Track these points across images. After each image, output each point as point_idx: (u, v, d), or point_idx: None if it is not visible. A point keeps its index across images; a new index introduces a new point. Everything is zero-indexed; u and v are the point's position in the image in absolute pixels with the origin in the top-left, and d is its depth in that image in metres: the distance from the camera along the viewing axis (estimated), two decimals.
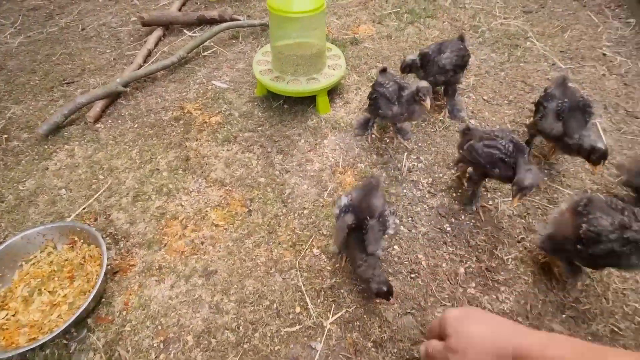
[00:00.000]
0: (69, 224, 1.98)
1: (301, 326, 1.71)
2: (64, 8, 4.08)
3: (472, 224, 2.07)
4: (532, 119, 2.24)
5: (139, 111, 2.80)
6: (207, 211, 2.16)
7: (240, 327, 1.71)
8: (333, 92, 2.85)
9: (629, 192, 2.02)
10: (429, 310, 1.75)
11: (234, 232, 2.06)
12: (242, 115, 2.73)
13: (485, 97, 2.81)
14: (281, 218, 2.12)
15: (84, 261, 1.91)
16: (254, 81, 2.96)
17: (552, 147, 2.27)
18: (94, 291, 1.70)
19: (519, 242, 1.98)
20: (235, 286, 1.85)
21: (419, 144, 2.50)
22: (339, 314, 1.74)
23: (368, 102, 2.39)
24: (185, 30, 3.61)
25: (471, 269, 1.89)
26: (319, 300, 1.79)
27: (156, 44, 3.41)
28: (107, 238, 2.05)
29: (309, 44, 2.58)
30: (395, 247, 1.99)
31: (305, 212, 2.15)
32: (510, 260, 1.91)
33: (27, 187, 2.32)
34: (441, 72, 2.45)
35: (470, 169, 2.10)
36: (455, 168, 2.26)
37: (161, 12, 3.65)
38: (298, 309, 1.77)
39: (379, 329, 1.70)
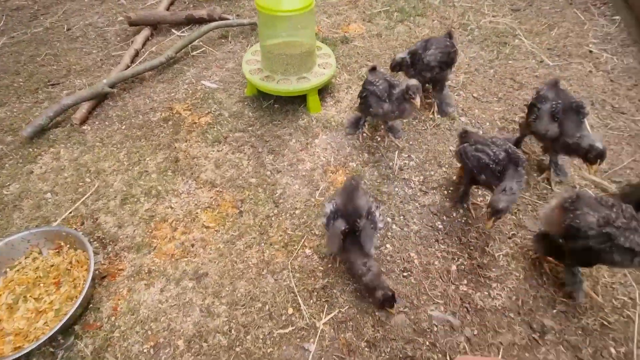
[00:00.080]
0: (54, 229, 1.94)
1: (294, 327, 1.70)
2: (49, 8, 3.99)
3: (463, 221, 2.08)
4: (522, 118, 2.24)
5: (127, 112, 2.75)
6: (197, 213, 2.13)
7: (232, 330, 1.69)
8: (324, 91, 2.83)
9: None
10: (421, 308, 1.75)
11: (225, 233, 2.04)
12: (232, 115, 2.71)
13: (475, 95, 2.82)
14: (273, 219, 2.10)
15: (71, 266, 1.86)
16: (244, 81, 2.93)
17: (544, 148, 2.25)
18: (81, 297, 1.66)
19: (509, 238, 1.99)
20: (227, 288, 1.83)
21: (410, 142, 2.50)
22: (332, 315, 1.73)
23: (359, 101, 2.39)
24: (173, 30, 3.56)
25: (463, 266, 1.89)
26: (311, 301, 1.78)
27: (144, 44, 3.36)
28: (95, 242, 2.00)
29: (299, 43, 2.56)
30: (388, 245, 1.99)
31: (297, 212, 2.13)
32: (501, 256, 1.92)
33: (11, 191, 2.26)
34: (426, 68, 2.45)
35: None
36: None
37: (149, 12, 3.59)
38: (290, 310, 1.75)
39: (372, 329, 1.69)
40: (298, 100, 2.74)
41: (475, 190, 2.20)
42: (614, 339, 1.64)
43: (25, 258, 1.90)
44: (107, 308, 1.76)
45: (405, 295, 1.80)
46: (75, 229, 2.05)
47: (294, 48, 2.55)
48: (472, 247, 1.96)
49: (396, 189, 2.23)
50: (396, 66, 2.62)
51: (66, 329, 1.67)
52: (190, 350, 1.63)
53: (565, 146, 2.00)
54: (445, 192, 2.22)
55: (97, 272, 1.87)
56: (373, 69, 2.34)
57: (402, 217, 2.10)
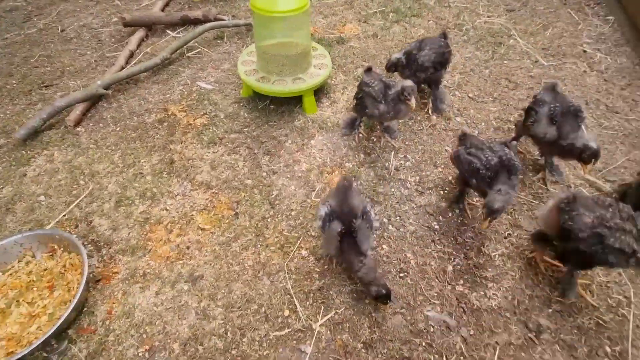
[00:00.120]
0: (48, 232, 1.92)
1: (290, 329, 1.69)
2: (43, 9, 3.96)
3: (459, 221, 2.08)
4: (519, 119, 2.23)
5: (122, 114, 2.73)
6: (192, 215, 2.12)
7: (228, 333, 1.68)
8: (320, 91, 2.83)
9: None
10: (418, 309, 1.75)
11: (221, 235, 2.03)
12: (228, 116, 2.70)
13: (470, 95, 2.83)
14: (269, 220, 2.09)
15: (65, 270, 1.85)
16: (240, 82, 2.92)
17: (541, 151, 2.24)
18: (75, 301, 1.64)
19: (505, 238, 2.00)
20: (223, 291, 1.82)
21: (406, 143, 2.50)
22: (329, 316, 1.72)
23: (354, 101, 2.38)
24: (168, 31, 3.54)
25: (459, 266, 1.89)
26: (308, 303, 1.77)
27: (138, 45, 3.34)
28: (89, 245, 1.99)
29: (294, 44, 2.55)
30: (384, 246, 1.98)
31: (293, 213, 2.12)
32: (497, 256, 1.93)
33: (4, 194, 2.24)
34: (420, 69, 2.46)
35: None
36: None
37: (143, 13, 3.58)
38: (287, 312, 1.74)
39: (369, 330, 1.69)
40: (294, 101, 2.74)
41: (471, 190, 2.21)
42: (609, 338, 1.64)
43: (19, 262, 1.88)
44: (101, 312, 1.75)
45: (401, 295, 1.80)
46: (69, 232, 2.03)
47: (289, 49, 2.55)
48: (468, 247, 1.96)
49: (392, 190, 2.23)
50: (391, 67, 2.62)
51: (60, 334, 1.65)
52: (186, 353, 1.62)
53: (560, 149, 2.00)
54: (441, 192, 2.22)
55: (91, 275, 1.86)
56: (368, 70, 2.34)
57: (398, 217, 2.10)
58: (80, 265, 1.83)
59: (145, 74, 3.04)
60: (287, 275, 1.87)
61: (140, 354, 1.61)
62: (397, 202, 2.17)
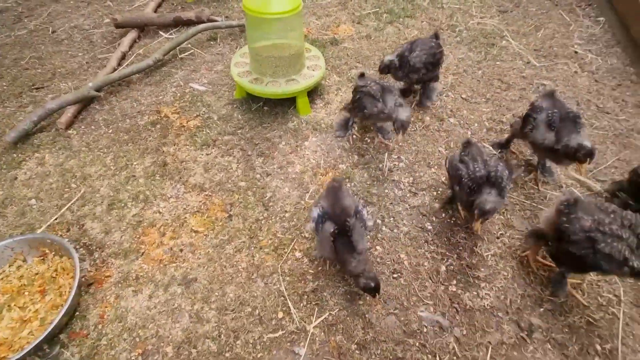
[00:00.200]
0: (38, 236, 1.90)
1: (284, 332, 1.69)
2: (33, 10, 3.92)
3: (452, 222, 2.09)
4: (516, 122, 2.23)
5: (114, 116, 2.71)
6: (186, 217, 2.11)
7: (222, 336, 1.67)
8: (313, 93, 2.83)
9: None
10: (411, 309, 1.76)
11: (214, 238, 2.02)
12: (221, 118, 2.69)
13: (463, 96, 2.84)
14: (262, 222, 2.09)
15: (56, 274, 1.83)
16: (233, 83, 2.91)
17: (538, 155, 2.22)
18: (67, 305, 1.63)
19: (498, 238, 2.01)
20: (216, 293, 1.81)
21: (400, 144, 2.51)
22: (322, 318, 1.73)
23: (352, 104, 2.37)
24: (161, 32, 3.52)
25: (452, 267, 1.91)
26: (301, 305, 1.78)
27: (131, 47, 3.32)
28: (81, 249, 1.97)
29: (287, 45, 2.55)
30: (378, 247, 1.99)
31: (287, 215, 2.12)
32: (489, 256, 1.94)
33: None
34: (412, 70, 2.47)
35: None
36: None
37: (136, 14, 3.55)
38: (281, 314, 1.74)
39: (363, 331, 1.69)
40: (287, 103, 2.73)
41: None
42: (599, 336, 1.66)
43: (9, 266, 1.86)
44: (93, 316, 1.73)
45: (395, 296, 1.80)
46: (61, 235, 2.01)
47: (282, 50, 2.55)
48: (461, 248, 1.98)
49: (386, 191, 2.24)
50: (384, 69, 2.63)
51: (52, 338, 1.64)
52: (179, 356, 1.61)
53: (557, 153, 1.97)
54: (435, 193, 2.23)
55: (83, 279, 1.84)
56: (362, 76, 2.35)
57: (391, 218, 2.11)
58: (72, 269, 1.82)
59: (138, 76, 3.03)
60: (281, 277, 1.87)
61: (133, 358, 1.60)
62: (391, 203, 2.18)
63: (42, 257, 1.89)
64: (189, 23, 3.51)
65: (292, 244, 1.99)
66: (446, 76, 2.98)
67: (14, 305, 1.73)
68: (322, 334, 1.68)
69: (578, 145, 1.88)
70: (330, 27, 3.57)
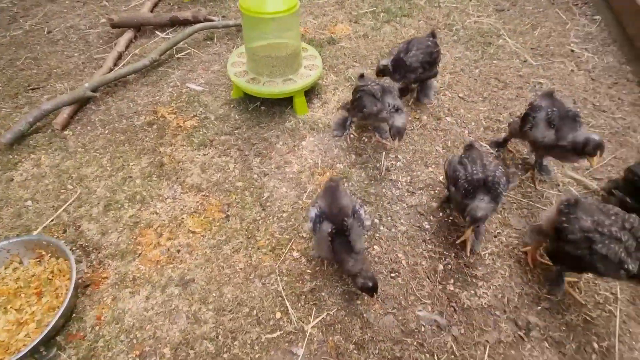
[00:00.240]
0: (34, 238, 1.89)
1: (282, 332, 1.69)
2: (29, 10, 3.89)
3: (450, 221, 2.09)
4: (515, 122, 2.23)
5: (110, 116, 2.70)
6: (183, 218, 2.10)
7: (220, 337, 1.67)
8: (311, 92, 2.83)
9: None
10: (409, 309, 1.76)
11: (212, 238, 2.02)
12: (218, 118, 2.68)
13: (460, 95, 2.84)
14: (260, 222, 2.09)
15: (53, 276, 1.82)
16: (230, 83, 2.90)
17: (538, 153, 2.19)
18: (63, 307, 1.62)
19: (495, 237, 2.02)
20: (214, 294, 1.81)
21: (396, 149, 2.50)
22: (320, 318, 1.73)
23: (351, 104, 2.36)
24: (157, 32, 3.51)
25: (450, 266, 1.91)
26: (299, 305, 1.77)
27: (127, 47, 3.30)
28: (78, 250, 1.96)
29: (284, 45, 2.55)
30: (376, 247, 1.99)
31: (285, 215, 2.12)
32: (487, 255, 1.94)
33: None
34: (410, 70, 2.47)
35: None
36: None
37: (132, 14, 3.54)
38: (278, 315, 1.74)
39: (361, 331, 1.69)
40: (285, 102, 2.73)
41: None
42: (596, 334, 1.67)
43: (5, 268, 1.85)
44: (90, 317, 1.73)
45: (393, 296, 1.80)
46: (57, 237, 2.00)
47: (279, 50, 2.54)
48: (458, 247, 1.98)
49: (384, 190, 2.24)
50: (380, 72, 2.63)
51: (48, 340, 1.63)
52: (177, 358, 1.61)
53: (561, 149, 1.96)
54: (432, 192, 2.23)
55: (80, 281, 1.83)
56: (362, 76, 2.35)
57: (389, 218, 2.11)
58: (68, 271, 1.81)
59: (134, 76, 3.01)
60: (278, 278, 1.86)
61: None
62: (389, 203, 2.18)
63: (38, 259, 1.88)
64: (185, 23, 3.49)
65: (290, 244, 1.99)
66: (443, 75, 2.98)
67: (10, 307, 1.72)
68: (320, 334, 1.68)
69: (586, 140, 1.85)
70: (327, 26, 3.56)
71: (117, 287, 1.83)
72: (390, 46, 3.27)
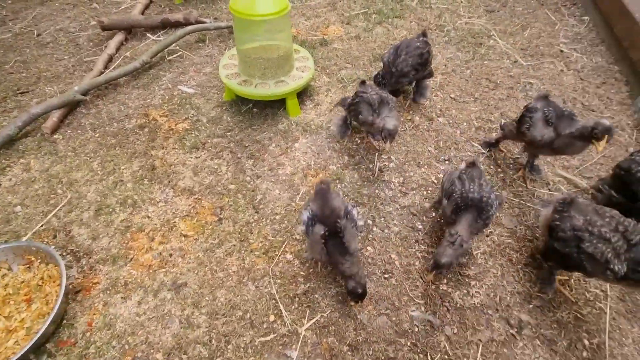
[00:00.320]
0: (23, 244, 1.86)
1: (276, 335, 1.68)
2: (18, 13, 3.85)
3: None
4: (507, 122, 2.25)
5: (100, 120, 2.67)
6: (175, 222, 2.09)
7: (213, 341, 1.66)
8: (303, 94, 2.83)
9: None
10: (402, 309, 1.77)
11: (204, 242, 2.00)
12: (211, 120, 2.67)
13: (452, 95, 2.86)
14: (253, 225, 2.08)
15: (42, 282, 1.80)
16: (222, 85, 2.89)
17: (536, 152, 2.20)
18: (53, 313, 1.60)
19: (487, 236, 2.03)
20: (207, 298, 1.80)
21: (387, 151, 2.51)
22: (314, 320, 1.72)
23: (349, 106, 2.33)
24: (148, 34, 3.49)
25: None
26: (293, 307, 1.77)
27: (118, 49, 3.28)
28: (68, 256, 1.94)
29: (276, 47, 2.55)
30: (369, 248, 1.99)
31: (278, 217, 2.12)
32: (479, 254, 1.96)
33: None
34: (401, 75, 2.48)
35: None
36: None
37: (122, 16, 3.51)
38: (272, 318, 1.73)
39: (354, 332, 1.69)
40: (277, 104, 2.73)
41: None
42: (587, 331, 1.69)
43: None
44: (81, 324, 1.71)
45: (386, 297, 1.81)
46: (47, 242, 1.98)
47: (271, 52, 2.54)
48: None
49: (376, 191, 2.25)
50: (375, 82, 2.64)
51: (38, 348, 1.61)
52: None
53: (565, 138, 1.93)
54: (425, 192, 2.24)
55: (70, 286, 1.81)
56: (363, 83, 2.32)
57: (382, 219, 2.12)
58: (58, 277, 1.78)
59: (125, 79, 2.99)
60: (272, 280, 1.86)
61: None
62: (382, 204, 2.19)
63: (27, 265, 1.86)
64: (176, 25, 3.48)
65: (283, 246, 1.98)
66: (435, 76, 3.00)
67: None
68: (314, 336, 1.68)
69: (595, 123, 1.83)
70: (319, 27, 3.57)
71: (108, 292, 1.81)
72: (382, 47, 3.29)
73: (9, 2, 3.97)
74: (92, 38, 3.47)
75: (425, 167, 2.38)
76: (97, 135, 2.57)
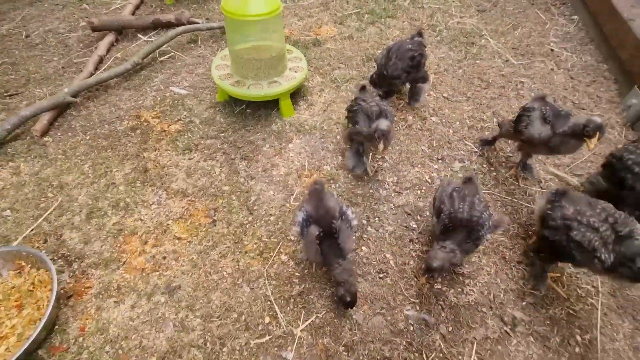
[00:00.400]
0: (13, 249, 1.83)
1: (271, 336, 1.68)
2: (6, 14, 3.78)
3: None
4: (504, 122, 2.26)
5: (91, 122, 2.64)
6: (168, 224, 2.07)
7: (208, 344, 1.65)
8: (296, 94, 2.82)
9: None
10: (397, 308, 1.77)
11: (198, 244, 1.99)
12: (203, 121, 2.65)
13: (445, 95, 2.88)
14: (247, 226, 2.07)
15: (34, 287, 1.77)
16: (215, 86, 2.87)
17: (532, 151, 2.21)
18: (44, 319, 1.58)
19: None
20: (201, 301, 1.78)
21: (383, 155, 2.51)
22: (309, 321, 1.72)
23: (347, 112, 2.28)
24: (139, 35, 3.45)
25: None
26: (288, 308, 1.77)
27: (108, 50, 3.24)
28: (59, 260, 1.91)
29: (268, 47, 2.54)
30: (364, 248, 2.00)
31: (272, 218, 2.11)
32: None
33: None
34: (393, 77, 2.49)
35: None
36: None
37: (113, 17, 3.47)
38: (267, 319, 1.73)
39: (350, 332, 1.69)
40: (270, 105, 2.72)
41: None
42: (579, 327, 1.71)
43: None
44: (73, 329, 1.68)
45: (381, 296, 1.81)
46: (38, 247, 1.95)
47: (263, 52, 2.53)
48: None
49: (371, 191, 2.25)
50: (371, 82, 2.65)
51: (30, 354, 1.58)
52: None
53: (559, 137, 1.94)
54: (418, 191, 2.25)
55: (62, 291, 1.79)
56: (363, 88, 2.29)
57: (377, 218, 2.12)
58: (49, 282, 1.76)
59: (116, 80, 2.96)
60: (267, 282, 1.85)
61: None
62: (376, 203, 2.19)
63: (18, 271, 1.83)
64: (168, 25, 3.45)
65: (278, 247, 1.98)
66: None
67: None
68: (310, 337, 1.68)
69: (587, 121, 1.85)
70: (312, 28, 3.56)
71: (101, 296, 1.79)
72: (375, 47, 3.30)
73: None
74: (82, 39, 3.43)
75: (419, 166, 2.39)
76: (88, 137, 2.54)
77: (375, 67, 2.59)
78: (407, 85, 2.75)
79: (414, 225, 2.09)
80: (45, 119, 2.55)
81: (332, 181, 2.29)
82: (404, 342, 1.67)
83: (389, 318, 1.74)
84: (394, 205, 2.19)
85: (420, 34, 2.58)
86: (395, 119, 2.68)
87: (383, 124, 1.99)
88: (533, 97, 2.19)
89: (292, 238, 2.01)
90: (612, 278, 1.54)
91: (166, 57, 3.20)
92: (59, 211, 2.12)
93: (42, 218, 2.08)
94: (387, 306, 1.78)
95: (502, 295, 1.81)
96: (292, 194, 2.22)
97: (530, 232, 2.03)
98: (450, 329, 1.71)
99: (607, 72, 3.05)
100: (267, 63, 2.54)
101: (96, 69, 3.03)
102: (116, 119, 2.66)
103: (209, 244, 1.99)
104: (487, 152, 2.46)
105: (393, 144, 2.52)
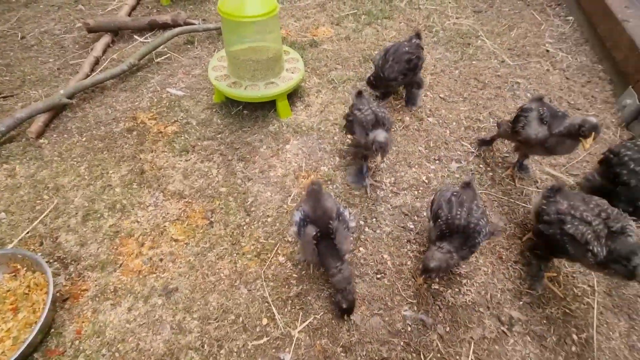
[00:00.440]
0: (8, 252, 1.82)
1: (269, 338, 1.67)
2: (1, 15, 3.76)
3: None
4: (503, 122, 2.27)
5: (87, 124, 2.63)
6: (165, 226, 2.06)
7: (205, 346, 1.64)
8: (293, 95, 2.82)
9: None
10: (395, 309, 1.77)
11: (195, 246, 1.98)
12: (200, 123, 2.64)
13: (441, 95, 2.89)
14: (244, 228, 2.07)
15: (29, 290, 1.76)
16: (212, 87, 2.87)
17: (529, 152, 2.21)
18: (40, 322, 1.57)
19: None
20: (198, 303, 1.78)
21: (381, 166, 2.50)
22: (307, 322, 1.72)
23: (346, 117, 2.24)
24: (136, 36, 3.44)
25: None
26: (286, 310, 1.76)
27: (104, 51, 3.23)
28: (55, 263, 1.90)
29: (265, 48, 2.53)
30: (361, 248, 2.00)
31: (269, 219, 2.11)
32: None
33: None
34: (390, 79, 2.49)
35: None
36: None
37: (109, 18, 3.46)
38: (265, 321, 1.73)
39: (348, 333, 1.70)
40: (267, 106, 2.72)
41: None
42: (575, 326, 1.72)
43: None
44: (70, 332, 1.67)
45: (379, 297, 1.81)
46: (34, 250, 1.94)
47: (260, 53, 2.53)
48: None
49: (368, 191, 2.25)
50: (369, 83, 2.65)
51: (26, 358, 1.57)
52: None
53: (555, 137, 1.95)
54: (416, 192, 2.26)
55: (58, 294, 1.78)
56: (359, 94, 2.24)
57: (374, 219, 2.12)
58: (45, 285, 1.75)
59: (112, 81, 2.95)
60: (264, 283, 1.85)
61: None
62: (373, 204, 2.19)
63: (13, 274, 1.82)
64: (164, 26, 3.44)
65: (275, 248, 1.98)
66: (424, 76, 3.02)
67: None
68: (307, 338, 1.68)
69: (582, 121, 1.85)
70: (309, 29, 3.56)
71: (97, 299, 1.78)
72: (372, 48, 3.30)
73: None
74: (77, 40, 3.41)
75: (416, 167, 2.39)
76: (84, 139, 2.53)
77: (373, 68, 2.60)
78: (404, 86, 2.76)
79: (412, 226, 2.10)
80: (40, 120, 2.54)
81: (329, 182, 2.29)
82: (402, 343, 1.67)
83: (386, 319, 1.74)
84: (391, 205, 2.19)
85: (418, 36, 2.59)
86: (392, 120, 2.69)
87: (380, 135, 1.95)
88: (531, 98, 2.20)
89: (290, 239, 2.01)
90: (606, 274, 1.55)
91: (163, 58, 3.20)
92: (55, 213, 2.11)
93: (38, 220, 2.07)
94: (384, 307, 1.78)
95: (499, 295, 1.82)
96: (290, 195, 2.22)
97: (526, 232, 2.04)
98: (447, 329, 1.71)
99: (602, 72, 3.07)
100: (264, 64, 2.54)
101: (92, 70, 3.02)
102: (112, 120, 2.65)
103: (206, 246, 1.98)
104: (483, 153, 2.47)
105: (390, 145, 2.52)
